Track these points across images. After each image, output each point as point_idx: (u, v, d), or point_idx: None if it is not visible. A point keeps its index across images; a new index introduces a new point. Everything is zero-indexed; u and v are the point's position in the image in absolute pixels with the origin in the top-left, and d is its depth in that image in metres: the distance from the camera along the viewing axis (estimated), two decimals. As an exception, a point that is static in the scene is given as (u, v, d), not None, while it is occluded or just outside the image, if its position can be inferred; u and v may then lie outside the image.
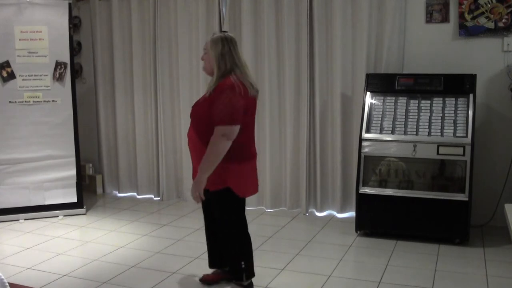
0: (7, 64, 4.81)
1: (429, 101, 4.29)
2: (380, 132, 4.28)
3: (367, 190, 4.27)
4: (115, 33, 5.68)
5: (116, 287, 3.42)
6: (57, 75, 4.96)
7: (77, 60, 5.88)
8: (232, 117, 2.87)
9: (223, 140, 2.88)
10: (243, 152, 3.03)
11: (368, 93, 4.41)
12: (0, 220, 4.79)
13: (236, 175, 3.01)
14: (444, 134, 4.13)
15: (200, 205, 3.23)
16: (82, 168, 5.60)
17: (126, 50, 5.69)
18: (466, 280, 3.47)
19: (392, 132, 4.25)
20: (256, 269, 3.65)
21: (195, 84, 5.35)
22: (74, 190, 5.06)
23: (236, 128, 2.90)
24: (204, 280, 3.43)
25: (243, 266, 3.16)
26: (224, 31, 3.19)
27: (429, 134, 4.16)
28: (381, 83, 4.42)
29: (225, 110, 2.87)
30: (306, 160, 4.97)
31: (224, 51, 2.97)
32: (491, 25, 4.38)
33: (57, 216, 4.95)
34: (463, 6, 4.43)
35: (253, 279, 3.40)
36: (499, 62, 4.41)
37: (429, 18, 4.58)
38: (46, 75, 4.93)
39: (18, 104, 4.86)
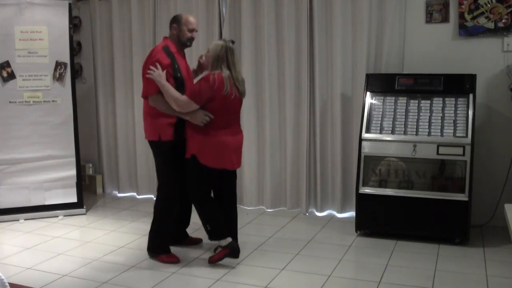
0: (7, 64, 4.81)
1: (429, 101, 4.29)
2: (380, 132, 4.28)
3: (367, 190, 4.27)
4: (115, 33, 5.68)
5: (116, 287, 3.42)
6: (57, 75, 4.96)
7: (77, 60, 5.87)
8: (193, 96, 3.56)
9: (177, 103, 3.57)
10: (209, 130, 3.59)
11: (368, 93, 4.41)
12: (0, 220, 4.79)
13: (201, 146, 3.60)
14: (444, 134, 4.13)
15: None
16: (82, 168, 5.60)
17: (126, 50, 5.69)
18: (466, 280, 3.47)
19: (392, 132, 4.25)
20: (256, 269, 3.67)
21: (195, 84, 5.35)
22: (74, 190, 5.06)
23: (192, 105, 3.55)
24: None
25: (208, 228, 3.70)
26: (231, 40, 3.69)
27: (429, 134, 4.16)
28: (381, 83, 4.42)
29: (194, 90, 3.60)
30: (306, 160, 4.97)
31: (220, 55, 3.58)
32: (491, 25, 4.38)
33: (57, 216, 4.95)
34: (463, 6, 4.43)
35: (253, 279, 3.41)
36: (499, 62, 4.41)
37: (429, 18, 4.57)
38: (46, 75, 4.93)
39: (18, 104, 4.86)
